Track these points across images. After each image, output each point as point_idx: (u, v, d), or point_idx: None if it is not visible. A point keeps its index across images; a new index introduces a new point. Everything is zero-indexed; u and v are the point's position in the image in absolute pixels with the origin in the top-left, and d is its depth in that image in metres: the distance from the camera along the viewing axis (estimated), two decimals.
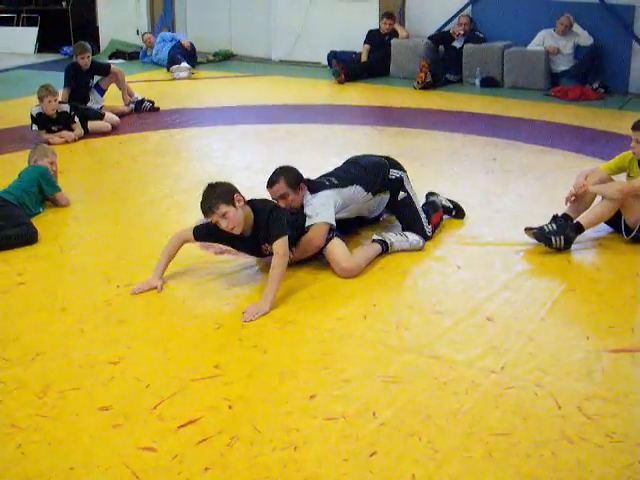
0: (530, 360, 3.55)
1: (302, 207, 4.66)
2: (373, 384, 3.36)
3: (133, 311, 4.10)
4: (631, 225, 4.86)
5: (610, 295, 4.28)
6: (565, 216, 4.90)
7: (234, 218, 4.19)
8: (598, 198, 4.97)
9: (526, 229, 4.92)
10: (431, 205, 5.26)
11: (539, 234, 4.78)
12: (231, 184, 4.28)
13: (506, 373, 3.44)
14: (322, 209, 4.58)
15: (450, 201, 5.43)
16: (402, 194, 5.04)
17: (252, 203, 4.38)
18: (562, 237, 4.74)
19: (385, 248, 4.78)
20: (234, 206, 4.17)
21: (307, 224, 4.55)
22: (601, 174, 5.02)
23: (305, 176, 4.81)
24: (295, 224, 4.48)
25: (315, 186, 4.73)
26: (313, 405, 3.20)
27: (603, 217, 4.88)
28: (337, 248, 4.54)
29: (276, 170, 4.73)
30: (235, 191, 4.22)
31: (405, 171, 5.16)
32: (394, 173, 5.06)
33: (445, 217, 5.33)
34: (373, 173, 4.96)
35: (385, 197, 5.05)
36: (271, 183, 4.68)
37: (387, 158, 5.19)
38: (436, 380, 3.39)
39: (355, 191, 4.83)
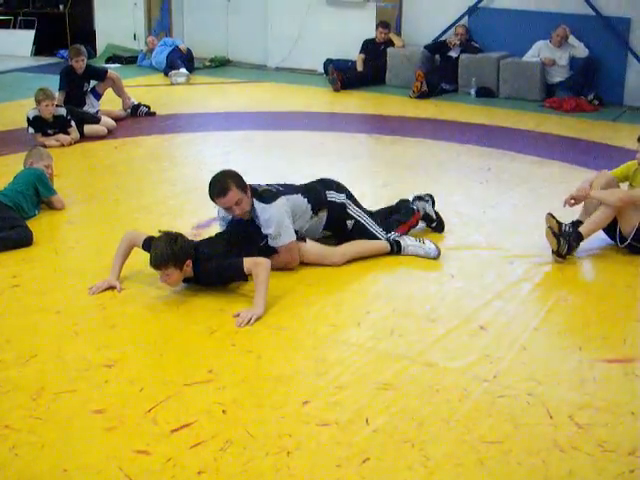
0: (523, 369, 3.57)
1: (251, 214, 4.51)
2: (366, 391, 3.38)
3: (127, 315, 4.11)
4: (626, 234, 4.89)
5: (603, 305, 4.31)
6: (578, 223, 4.94)
7: (174, 281, 4.24)
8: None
9: (550, 214, 4.89)
10: (405, 213, 5.16)
11: (555, 230, 4.77)
12: (189, 243, 4.24)
13: (499, 382, 3.46)
14: (283, 229, 4.46)
15: (436, 213, 5.28)
16: (350, 222, 4.84)
17: (197, 249, 4.31)
18: (567, 244, 4.76)
19: (397, 249, 4.84)
20: (181, 270, 4.17)
21: (273, 244, 4.47)
22: (608, 177, 5.03)
23: (299, 182, 4.81)
24: (253, 236, 4.50)
25: (264, 194, 4.53)
26: (306, 411, 3.21)
27: (601, 224, 4.90)
28: (312, 254, 4.63)
29: (219, 178, 4.48)
30: (189, 255, 4.17)
31: (347, 192, 4.95)
32: (335, 196, 4.84)
33: (421, 226, 5.27)
34: (313, 189, 4.81)
35: (324, 215, 4.80)
36: (223, 192, 4.40)
37: (323, 180, 5.01)
38: (429, 387, 3.40)
39: (299, 200, 4.65)
